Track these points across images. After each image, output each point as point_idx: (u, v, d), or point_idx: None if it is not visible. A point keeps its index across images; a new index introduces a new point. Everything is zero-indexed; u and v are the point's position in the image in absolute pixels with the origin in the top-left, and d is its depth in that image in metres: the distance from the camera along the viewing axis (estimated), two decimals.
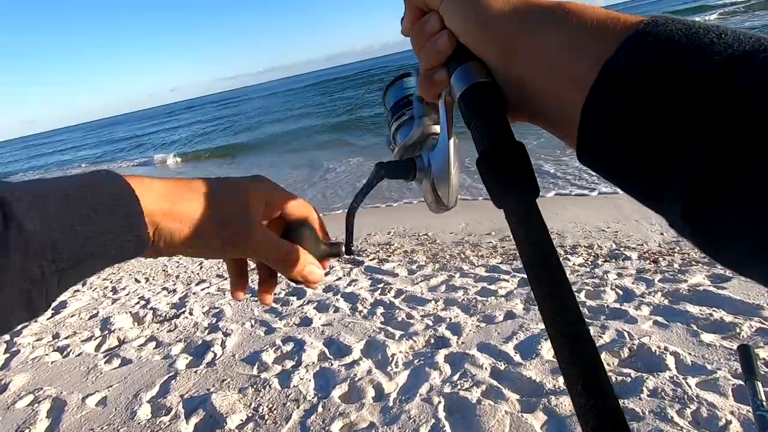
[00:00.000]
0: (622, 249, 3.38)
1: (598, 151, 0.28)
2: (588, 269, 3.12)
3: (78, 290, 4.50)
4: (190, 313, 3.44)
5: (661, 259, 3.10)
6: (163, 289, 4.17)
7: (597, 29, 0.28)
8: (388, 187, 6.58)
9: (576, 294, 2.51)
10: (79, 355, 3.06)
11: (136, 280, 4.55)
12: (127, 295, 4.14)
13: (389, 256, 4.05)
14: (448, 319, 2.71)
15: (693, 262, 2.96)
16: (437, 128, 0.46)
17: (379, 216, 5.39)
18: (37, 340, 3.40)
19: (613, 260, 3.21)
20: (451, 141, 0.42)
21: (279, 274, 0.46)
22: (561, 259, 2.61)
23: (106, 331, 3.35)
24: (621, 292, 2.70)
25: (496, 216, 4.65)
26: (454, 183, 0.44)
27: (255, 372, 2.51)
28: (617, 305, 2.55)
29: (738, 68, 0.22)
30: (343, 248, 0.48)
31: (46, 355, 3.13)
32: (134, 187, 0.34)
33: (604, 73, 0.26)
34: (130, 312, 3.66)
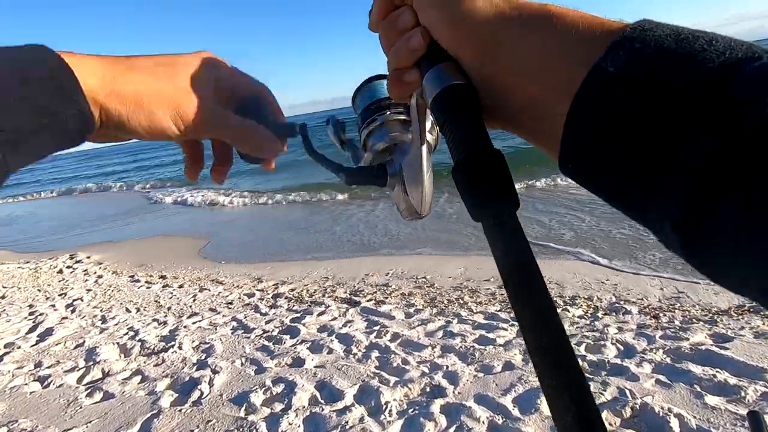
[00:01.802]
0: (622, 302, 3.34)
1: (582, 161, 0.26)
2: (588, 322, 3.07)
3: (66, 317, 4.39)
4: (179, 348, 3.35)
5: (661, 314, 3.06)
6: (154, 320, 4.07)
7: (582, 33, 0.27)
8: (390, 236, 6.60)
9: (575, 347, 2.44)
10: (60, 386, 2.95)
11: (127, 310, 4.45)
12: (116, 324, 4.04)
13: (386, 297, 3.99)
14: (444, 367, 2.63)
15: (694, 320, 2.92)
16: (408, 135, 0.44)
17: (378, 258, 5.37)
18: (18, 368, 3.28)
19: (614, 314, 3.17)
20: (424, 146, 0.40)
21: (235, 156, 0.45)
22: (560, 310, 2.55)
23: (91, 362, 3.24)
24: (622, 348, 2.65)
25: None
26: (427, 190, 0.42)
27: (242, 414, 2.41)
28: (618, 361, 2.49)
29: (730, 78, 0.21)
30: (298, 128, 0.45)
31: (26, 384, 3.01)
32: (68, 62, 0.32)
33: (590, 80, 0.25)
34: (118, 343, 3.56)
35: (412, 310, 3.63)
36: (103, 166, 36.40)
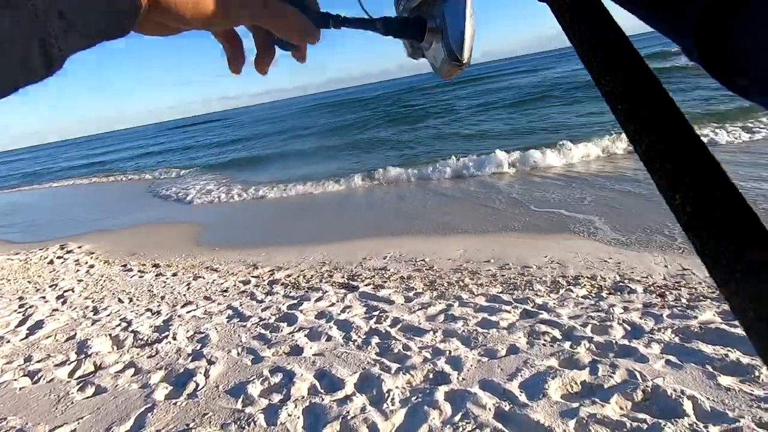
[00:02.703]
0: (626, 281, 3.27)
1: None
2: (593, 302, 2.99)
3: (57, 309, 4.28)
4: (174, 338, 3.25)
5: (667, 293, 2.99)
6: (147, 310, 3.97)
7: None
8: (386, 214, 6.49)
9: (582, 328, 2.34)
10: (50, 381, 2.85)
11: (119, 300, 4.34)
12: (108, 315, 3.93)
13: (385, 282, 3.90)
14: (447, 352, 2.56)
15: (701, 297, 2.85)
16: None
17: (376, 241, 5.26)
18: (7, 363, 3.18)
19: (618, 293, 3.09)
20: None
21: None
22: (563, 290, 2.45)
23: (83, 355, 3.14)
24: (629, 328, 2.58)
25: (495, 243, 4.54)
26: (469, 34, 0.40)
27: (239, 406, 2.33)
28: (626, 342, 2.42)
29: None
30: (331, 21, 0.41)
31: (15, 380, 2.91)
32: None
33: None
34: (110, 335, 3.46)
35: (411, 293, 3.54)
36: (95, 155, 35.83)
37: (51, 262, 6.38)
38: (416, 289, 3.64)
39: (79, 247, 7.04)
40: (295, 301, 3.71)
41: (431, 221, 5.71)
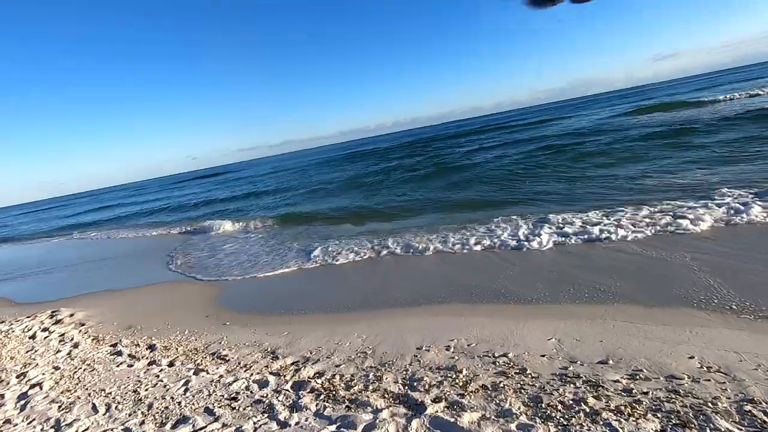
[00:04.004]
0: None
1: None
2: None
3: (9, 421, 3.17)
4: None
5: None
6: (124, 430, 2.82)
7: None
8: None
9: None
10: None
11: (93, 408, 3.21)
12: None
13: (462, 396, 2.69)
14: None
15: None
16: None
17: (425, 318, 4.08)
18: None
19: None
20: None
21: None
22: None
23: None
24: None
25: (597, 328, 3.33)
26: None
27: None
28: None
29: None
30: None
31: None
32: None
33: None
34: None
35: (513, 426, 2.32)
36: (111, 207, 36.07)
37: (33, 336, 5.35)
38: (516, 414, 2.42)
39: (71, 316, 6.02)
40: (335, 428, 2.52)
41: (493, 293, 4.52)
